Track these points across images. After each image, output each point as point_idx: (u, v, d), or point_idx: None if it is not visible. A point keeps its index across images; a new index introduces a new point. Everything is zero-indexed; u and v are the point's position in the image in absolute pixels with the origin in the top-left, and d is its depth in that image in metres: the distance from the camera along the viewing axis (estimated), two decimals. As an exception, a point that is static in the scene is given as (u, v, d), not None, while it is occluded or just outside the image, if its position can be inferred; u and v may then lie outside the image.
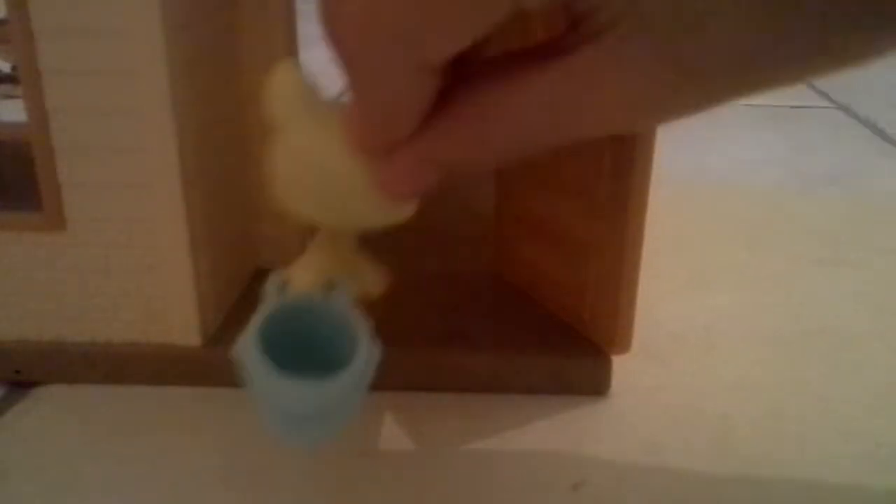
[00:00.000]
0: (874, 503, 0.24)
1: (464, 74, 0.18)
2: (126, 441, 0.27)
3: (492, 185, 0.33)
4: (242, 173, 0.33)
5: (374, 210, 0.20)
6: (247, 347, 0.20)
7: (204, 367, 0.29)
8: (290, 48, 0.31)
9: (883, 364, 0.32)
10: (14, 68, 0.27)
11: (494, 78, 0.18)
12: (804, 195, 0.51)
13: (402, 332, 0.30)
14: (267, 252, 0.35)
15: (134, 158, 0.26)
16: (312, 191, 0.21)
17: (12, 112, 0.28)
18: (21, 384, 0.29)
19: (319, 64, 0.28)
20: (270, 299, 0.22)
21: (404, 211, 0.20)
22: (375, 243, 0.23)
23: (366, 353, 0.21)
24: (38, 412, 0.28)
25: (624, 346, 0.28)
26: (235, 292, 0.32)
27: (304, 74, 0.21)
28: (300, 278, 0.23)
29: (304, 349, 0.21)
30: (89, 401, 0.29)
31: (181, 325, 0.29)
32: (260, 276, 0.34)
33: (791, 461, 0.26)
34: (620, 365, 0.29)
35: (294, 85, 0.21)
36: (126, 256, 0.28)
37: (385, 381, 0.29)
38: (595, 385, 0.29)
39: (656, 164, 0.26)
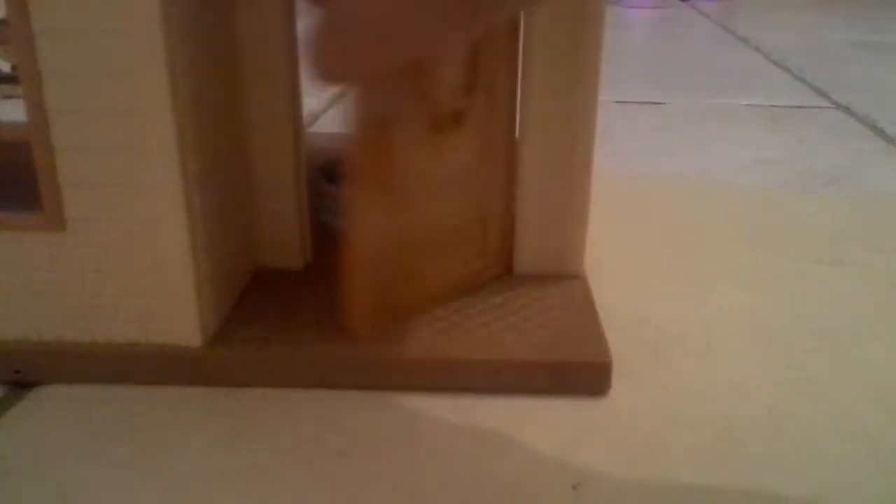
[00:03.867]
0: (874, 503, 0.24)
1: None
2: (126, 441, 0.27)
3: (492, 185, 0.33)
4: (243, 174, 0.33)
5: None
6: None
7: (204, 367, 0.29)
8: (290, 48, 0.32)
9: (883, 364, 0.32)
10: (14, 68, 0.27)
11: None
12: (804, 195, 0.51)
13: (401, 332, 0.30)
14: (267, 253, 0.35)
15: (134, 158, 0.26)
16: None
17: (12, 112, 0.28)
18: (21, 384, 0.29)
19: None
20: None
21: None
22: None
23: None
24: (38, 412, 0.28)
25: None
26: (236, 293, 0.32)
27: None
28: None
29: None
30: (89, 401, 0.29)
31: (181, 325, 0.29)
32: (260, 277, 0.34)
33: (791, 461, 0.26)
34: (620, 365, 0.30)
35: None
36: (126, 256, 0.28)
37: (385, 380, 0.29)
38: (595, 385, 0.29)
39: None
